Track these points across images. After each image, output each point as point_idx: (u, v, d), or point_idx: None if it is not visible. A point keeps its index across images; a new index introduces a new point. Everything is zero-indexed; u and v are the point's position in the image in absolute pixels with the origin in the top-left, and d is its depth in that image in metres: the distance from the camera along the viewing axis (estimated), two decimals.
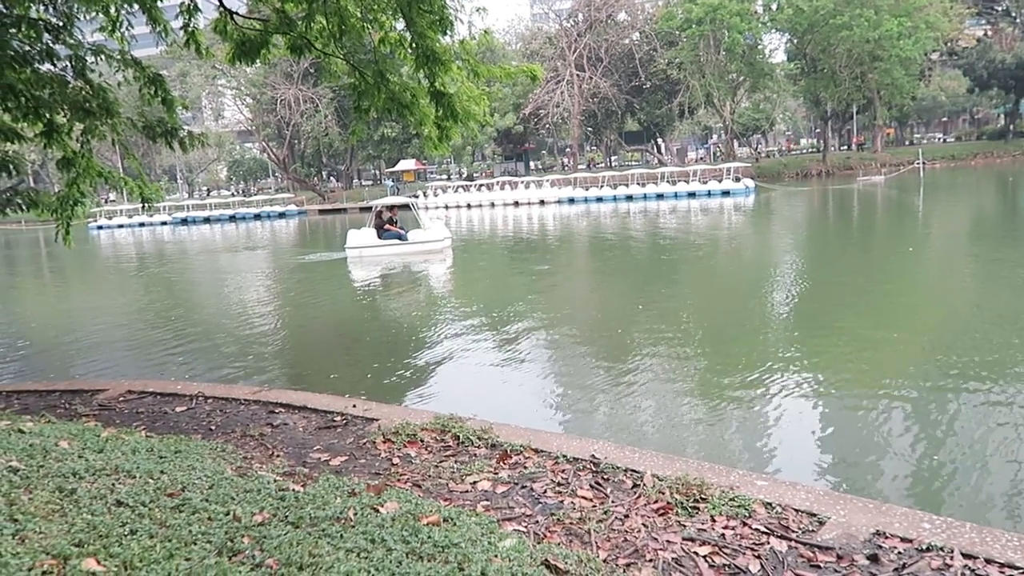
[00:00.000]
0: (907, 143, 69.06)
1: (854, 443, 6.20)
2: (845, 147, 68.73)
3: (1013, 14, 60.58)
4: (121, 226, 57.46)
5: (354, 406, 5.74)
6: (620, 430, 6.84)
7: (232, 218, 57.55)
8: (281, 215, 56.92)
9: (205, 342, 11.71)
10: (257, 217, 57.14)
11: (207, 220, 57.47)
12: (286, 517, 3.27)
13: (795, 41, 54.84)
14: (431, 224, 23.50)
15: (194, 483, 3.66)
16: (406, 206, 25.07)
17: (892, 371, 7.93)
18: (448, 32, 6.61)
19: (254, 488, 3.67)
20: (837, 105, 58.15)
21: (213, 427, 5.57)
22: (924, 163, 49.46)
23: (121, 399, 6.63)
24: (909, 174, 46.37)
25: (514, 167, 70.07)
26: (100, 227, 56.96)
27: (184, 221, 57.65)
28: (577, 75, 59.34)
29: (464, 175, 71.83)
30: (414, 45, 6.64)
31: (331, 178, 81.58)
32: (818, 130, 71.91)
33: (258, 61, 7.03)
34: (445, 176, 79.27)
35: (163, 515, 3.13)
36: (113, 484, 3.50)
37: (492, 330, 11.12)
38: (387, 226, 22.84)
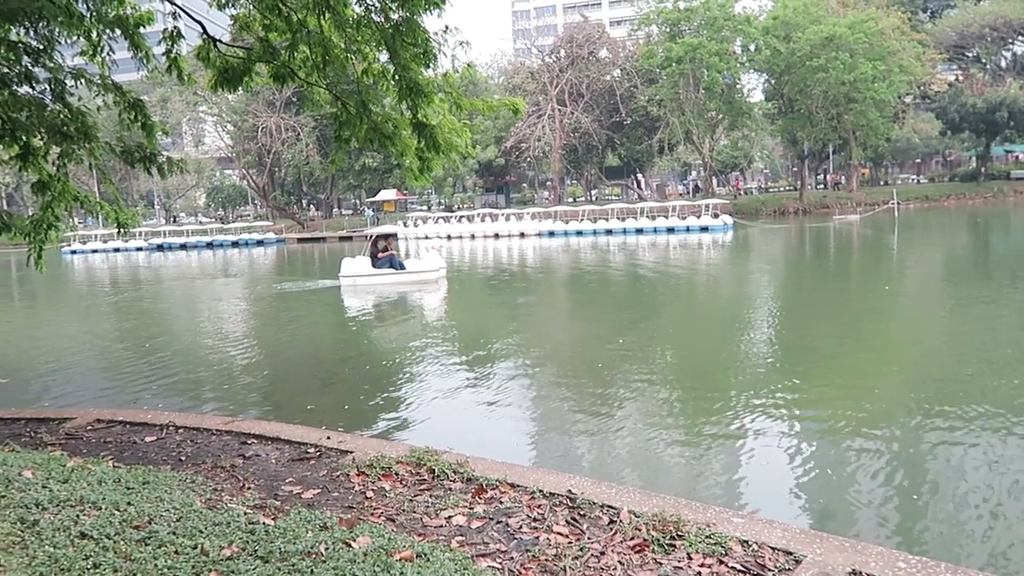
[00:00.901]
0: (882, 183, 70.48)
1: (831, 481, 6.22)
2: (822, 186, 69.97)
3: (983, 60, 62.64)
4: (95, 251, 56.82)
5: (328, 438, 5.67)
6: (598, 465, 6.82)
7: (209, 245, 57.15)
8: (259, 243, 56.64)
9: (178, 371, 11.55)
10: (235, 244, 56.81)
11: (184, 247, 57.03)
12: (255, 551, 3.21)
13: (773, 81, 56.09)
14: (426, 254, 23.53)
15: (161, 515, 3.58)
16: (393, 235, 25.09)
17: (869, 408, 7.99)
18: (431, 65, 6.69)
19: (223, 521, 3.60)
20: (814, 144, 59.36)
21: (183, 458, 5.47)
22: (899, 203, 50.45)
23: (89, 428, 6.50)
24: (884, 213, 47.31)
25: (495, 199, 70.45)
26: (74, 252, 56.27)
27: (160, 247, 57.15)
28: (559, 109, 60.14)
29: (445, 206, 72.13)
30: (397, 77, 6.71)
31: (311, 207, 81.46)
32: (795, 169, 73.24)
33: (240, 89, 7.06)
34: (425, 207, 79.54)
35: (128, 548, 3.06)
36: (77, 516, 3.42)
37: (473, 363, 11.09)
38: (381, 255, 22.78)
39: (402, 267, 22.67)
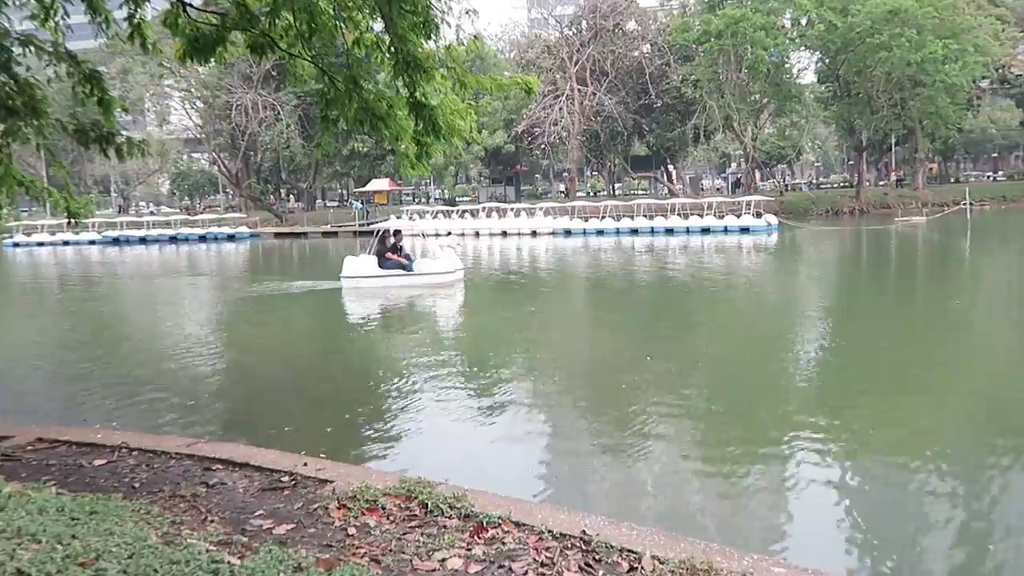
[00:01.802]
0: (952, 180, 70.30)
1: (882, 525, 6.18)
2: (882, 183, 69.84)
3: None
4: (41, 244, 57.18)
5: (305, 464, 5.67)
6: (617, 503, 6.80)
7: (173, 239, 57.47)
8: (231, 238, 56.90)
9: (134, 384, 11.59)
10: (202, 239, 57.11)
11: (143, 240, 57.36)
12: None
13: (827, 61, 56.05)
14: (441, 253, 23.53)
15: (111, 551, 3.59)
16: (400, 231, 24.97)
17: (929, 445, 7.95)
18: (433, 36, 6.71)
19: (182, 559, 3.60)
20: (873, 135, 59.27)
21: (137, 485, 5.48)
22: (971, 204, 50.26)
23: (29, 448, 6.52)
24: (954, 216, 47.10)
25: (503, 192, 70.53)
26: (16, 244, 56.66)
27: (116, 241, 57.51)
28: (578, 90, 60.26)
29: (445, 199, 72.34)
30: (393, 49, 6.73)
31: (290, 197, 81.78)
32: (851, 162, 73.12)
33: (213, 60, 7.09)
34: (423, 199, 79.76)
35: None
36: (14, 550, 3.43)
37: (479, 382, 11.11)
38: (389, 254, 22.76)
39: (410, 268, 22.62)
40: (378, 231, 23.88)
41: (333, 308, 19.89)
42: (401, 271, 22.47)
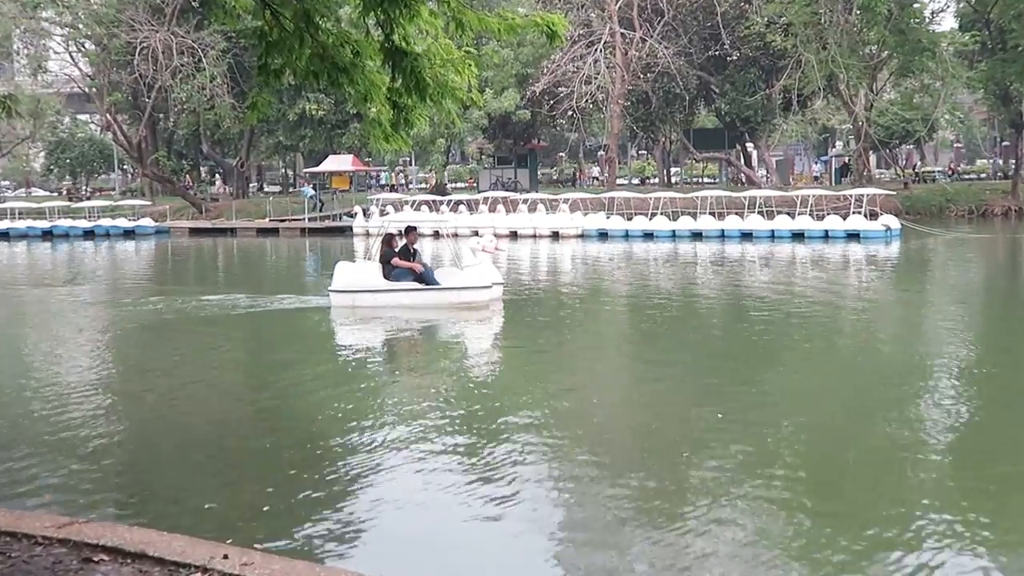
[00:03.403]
0: None
1: None
2: None
3: None
4: None
5: (225, 557, 5.65)
6: None
7: (48, 234, 57.56)
8: (128, 234, 57.00)
9: None
10: (88, 235, 57.25)
11: (5, 235, 57.44)
12: None
13: (972, 2, 56.01)
14: (473, 260, 23.18)
15: None
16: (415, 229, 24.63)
17: None
18: None
19: None
20: None
21: None
22: None
23: None
24: None
25: (512, 177, 70.50)
26: None
27: None
28: (622, 34, 60.06)
29: (431, 185, 72.33)
30: None
31: (214, 179, 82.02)
32: (1006, 143, 72.87)
33: None
34: (401, 185, 79.86)
35: None
36: None
37: (484, 440, 11.11)
38: (398, 259, 22.49)
39: (428, 280, 22.35)
40: (382, 229, 23.69)
41: (307, 335, 19.97)
42: (415, 284, 22.29)
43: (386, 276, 22.23)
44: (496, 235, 39.93)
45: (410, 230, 23.31)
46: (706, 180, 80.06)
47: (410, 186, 79.80)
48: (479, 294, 22.32)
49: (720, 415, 12.35)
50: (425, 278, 22.24)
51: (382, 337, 19.93)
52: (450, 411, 12.86)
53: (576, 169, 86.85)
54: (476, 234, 48.91)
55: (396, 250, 22.53)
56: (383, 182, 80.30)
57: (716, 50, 61.79)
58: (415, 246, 23.17)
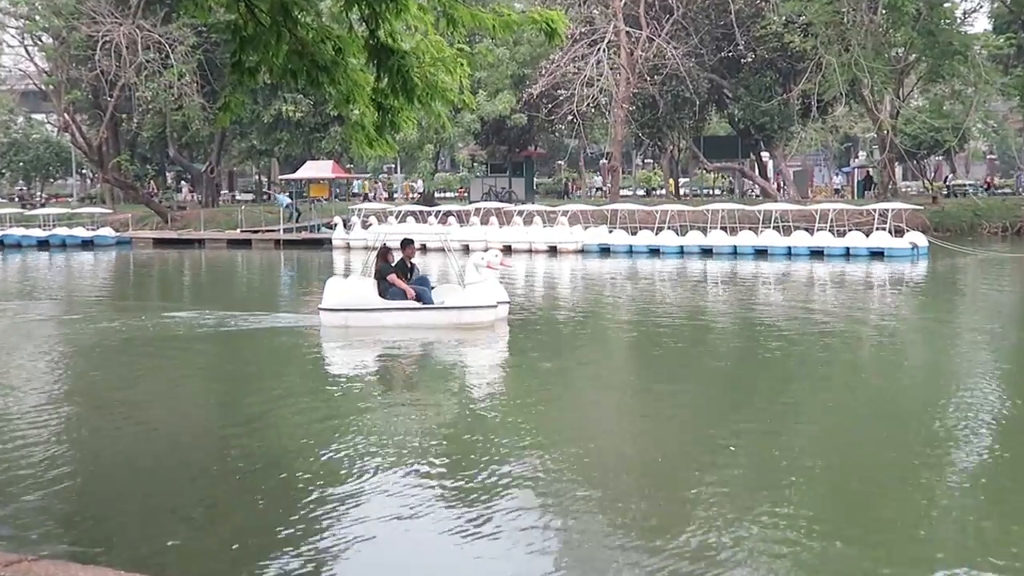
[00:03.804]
0: None
1: None
2: None
3: None
4: None
5: None
6: None
7: None
8: (87, 243, 56.84)
9: None
10: (44, 245, 57.05)
11: None
12: None
13: (1008, 2, 56.21)
14: (477, 277, 23.06)
15: None
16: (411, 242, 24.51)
17: None
18: None
19: None
20: None
21: None
22: None
23: None
24: None
25: (507, 186, 70.57)
26: None
27: None
28: (627, 33, 60.30)
29: (419, 195, 72.37)
30: None
31: (181, 185, 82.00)
32: None
33: None
34: (384, 194, 79.85)
35: None
36: None
37: (478, 482, 11.10)
38: (394, 276, 22.16)
39: (426, 298, 22.17)
40: (378, 241, 23.39)
41: (279, 357, 19.98)
42: (414, 302, 22.18)
43: (381, 293, 22.14)
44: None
45: (407, 243, 23.14)
46: (717, 192, 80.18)
47: (395, 195, 79.80)
48: (483, 314, 22.25)
49: (732, 448, 12.41)
50: (423, 295, 22.11)
51: (373, 361, 19.87)
52: (441, 445, 12.89)
53: (567, 179, 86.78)
54: (467, 249, 49.12)
55: (392, 265, 22.49)
56: (355, 190, 79.67)
57: (729, 51, 61.94)
58: (412, 260, 23.07)
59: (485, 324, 22.20)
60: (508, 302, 23.47)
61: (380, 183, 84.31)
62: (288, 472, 11.46)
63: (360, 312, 22.21)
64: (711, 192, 79.92)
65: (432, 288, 22.88)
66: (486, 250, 26.44)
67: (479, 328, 22.01)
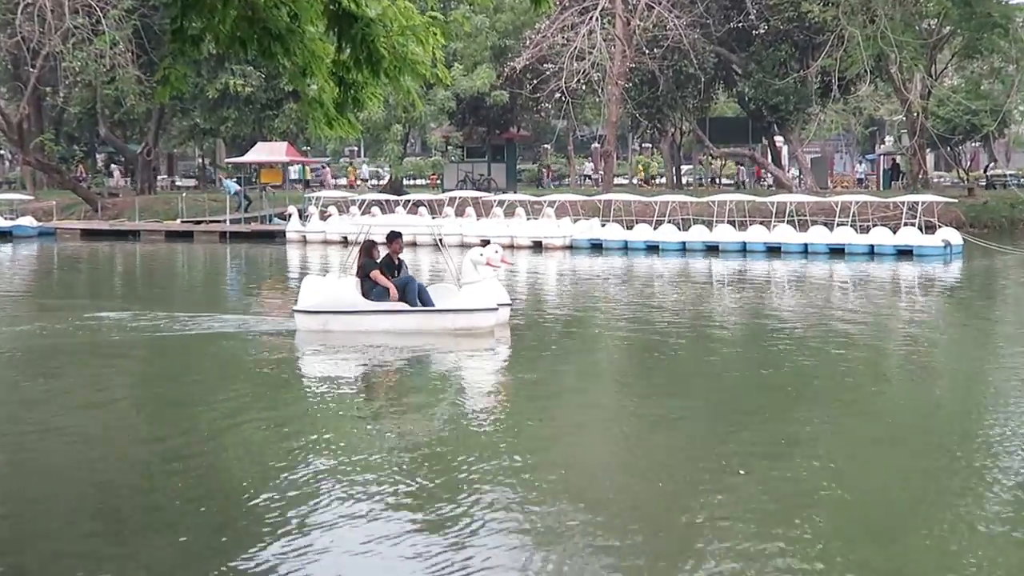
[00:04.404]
0: None
1: None
2: None
3: None
4: None
5: None
6: None
7: None
8: (4, 234, 56.64)
9: None
10: None
11: None
12: None
13: None
14: (475, 276, 23.06)
15: None
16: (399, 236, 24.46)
17: None
18: None
19: None
20: None
21: None
22: None
23: None
24: None
25: (486, 173, 70.64)
26: None
27: None
28: (623, 1, 60.40)
29: (385, 182, 72.31)
30: None
31: (113, 169, 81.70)
32: None
33: None
34: (343, 182, 79.71)
35: None
36: None
37: (463, 506, 11.12)
38: (377, 273, 22.20)
39: (412, 300, 22.16)
40: (361, 236, 23.35)
41: (230, 364, 20.03)
42: (399, 304, 22.19)
43: (365, 294, 22.16)
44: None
45: (395, 237, 23.13)
46: (724, 181, 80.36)
47: (357, 183, 79.68)
48: (482, 318, 22.39)
49: (742, 471, 12.46)
50: (409, 297, 22.15)
51: (349, 371, 19.82)
52: (431, 475, 12.86)
53: (541, 166, 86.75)
54: (438, 242, 49.02)
55: (377, 262, 22.48)
56: (292, 176, 78.48)
57: (739, 21, 61.78)
58: (400, 256, 23.08)
59: (484, 329, 22.32)
60: (510, 304, 23.59)
61: (327, 168, 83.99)
62: (234, 491, 11.45)
63: (341, 315, 22.20)
64: (717, 181, 79.98)
65: (421, 287, 22.80)
66: (485, 245, 26.50)
67: (477, 334, 22.14)
